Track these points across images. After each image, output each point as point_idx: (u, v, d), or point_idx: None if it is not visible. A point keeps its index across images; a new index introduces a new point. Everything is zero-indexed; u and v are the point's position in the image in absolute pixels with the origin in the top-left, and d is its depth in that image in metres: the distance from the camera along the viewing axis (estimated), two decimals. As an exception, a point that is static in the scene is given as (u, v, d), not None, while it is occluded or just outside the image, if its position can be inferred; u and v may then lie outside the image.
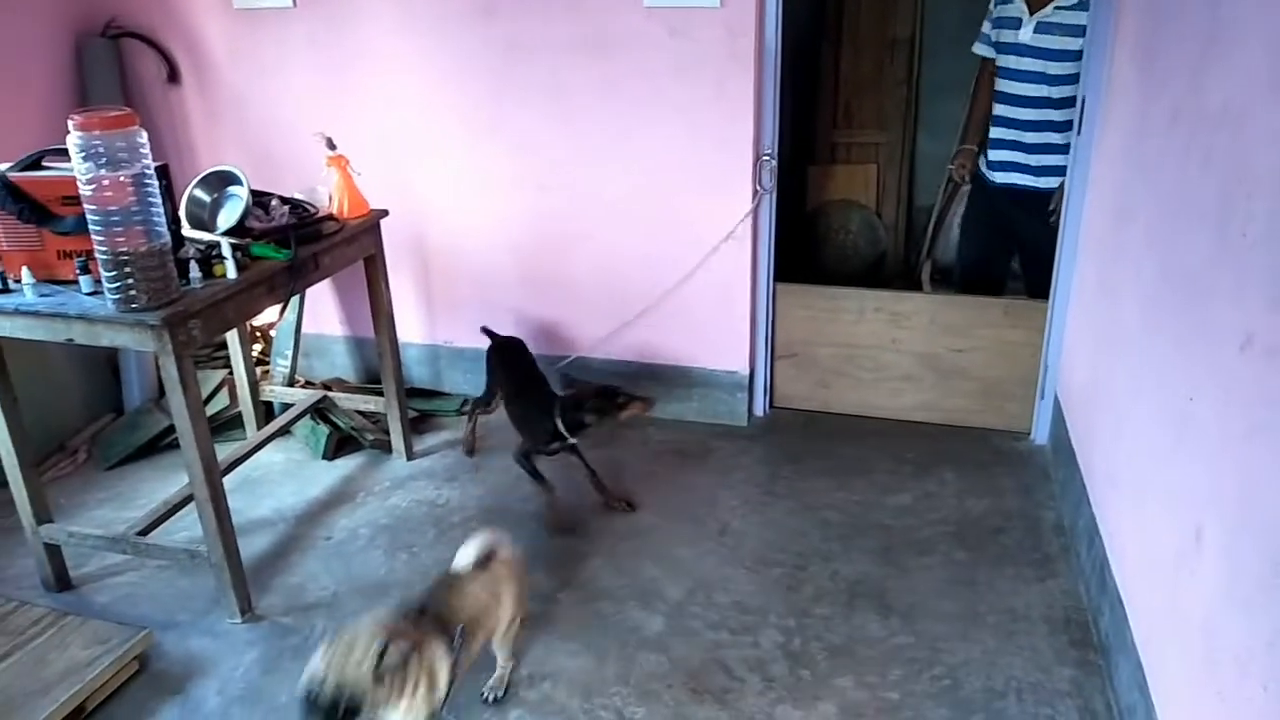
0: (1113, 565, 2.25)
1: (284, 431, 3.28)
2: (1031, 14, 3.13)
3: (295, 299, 3.51)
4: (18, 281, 2.25)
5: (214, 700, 2.25)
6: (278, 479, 3.22)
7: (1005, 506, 2.94)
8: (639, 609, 2.51)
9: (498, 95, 3.24)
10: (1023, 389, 3.32)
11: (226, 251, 2.35)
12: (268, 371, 3.64)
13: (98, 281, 2.17)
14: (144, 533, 2.57)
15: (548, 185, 3.33)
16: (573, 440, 2.83)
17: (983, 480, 3.09)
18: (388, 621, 1.78)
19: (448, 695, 1.83)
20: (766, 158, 3.16)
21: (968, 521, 2.87)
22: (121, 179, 2.01)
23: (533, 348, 3.24)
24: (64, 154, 2.09)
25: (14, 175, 2.25)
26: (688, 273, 3.30)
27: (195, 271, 2.28)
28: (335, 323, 3.80)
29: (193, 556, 2.48)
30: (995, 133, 3.36)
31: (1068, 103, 3.11)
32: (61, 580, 2.65)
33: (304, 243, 2.60)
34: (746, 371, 3.44)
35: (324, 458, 3.31)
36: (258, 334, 3.80)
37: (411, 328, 3.65)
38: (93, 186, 2.01)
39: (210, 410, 3.38)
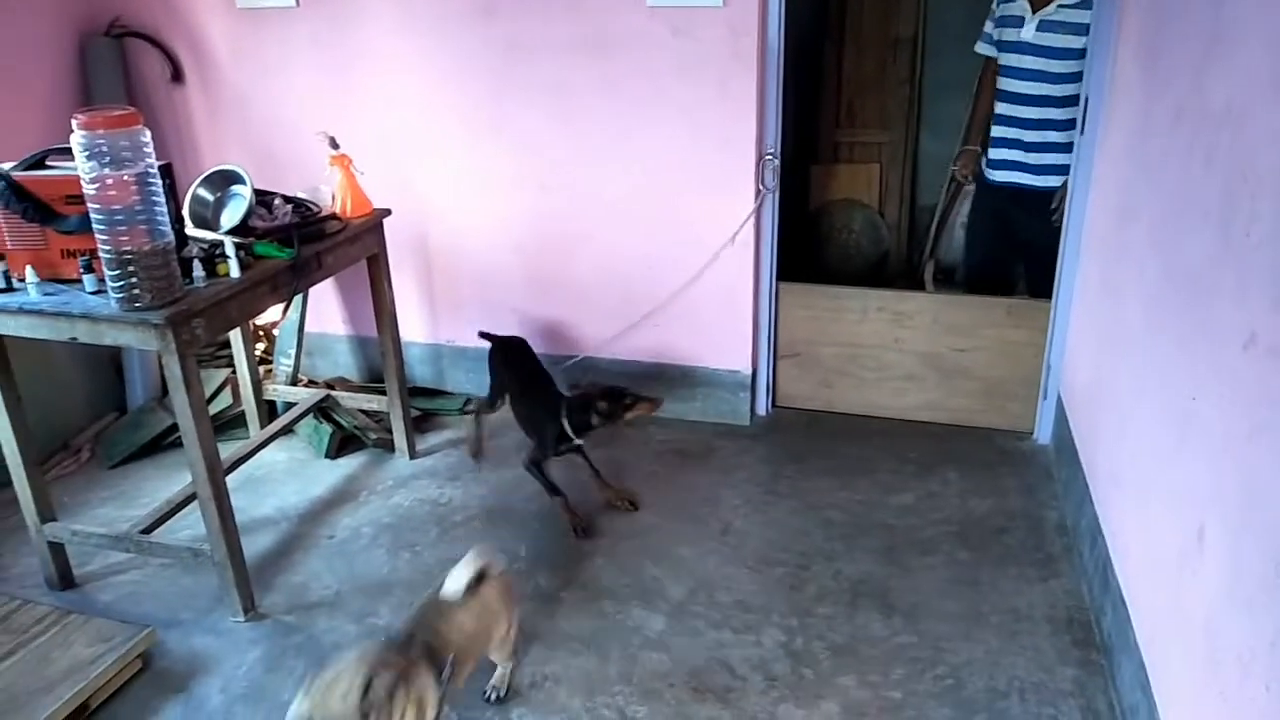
0: (1115, 565, 2.25)
1: (287, 430, 3.29)
2: (1034, 12, 3.12)
3: (298, 298, 3.52)
4: (21, 280, 2.26)
5: (217, 699, 2.25)
6: (281, 478, 3.22)
7: (1008, 506, 2.94)
8: (641, 608, 2.52)
9: (500, 95, 3.24)
10: (1025, 389, 3.31)
11: (230, 250, 2.35)
12: (271, 370, 3.64)
13: (101, 280, 2.18)
14: (147, 531, 2.58)
15: (550, 185, 3.33)
16: (579, 441, 2.83)
17: (986, 480, 3.08)
18: (373, 653, 1.73)
19: None
20: (769, 157, 3.16)
21: (970, 521, 2.87)
22: (125, 178, 2.01)
23: (535, 347, 3.24)
24: (68, 153, 2.10)
25: (18, 174, 2.26)
26: (690, 273, 3.31)
27: (199, 270, 2.29)
28: (338, 322, 3.80)
29: (196, 555, 2.49)
30: (996, 131, 3.36)
31: (1069, 101, 3.11)
32: (65, 579, 2.66)
33: (307, 242, 2.60)
34: (749, 371, 3.44)
35: (327, 456, 3.31)
36: (261, 333, 3.81)
37: (414, 327, 3.66)
38: (96, 185, 2.01)
39: (213, 409, 3.38)
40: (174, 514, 2.69)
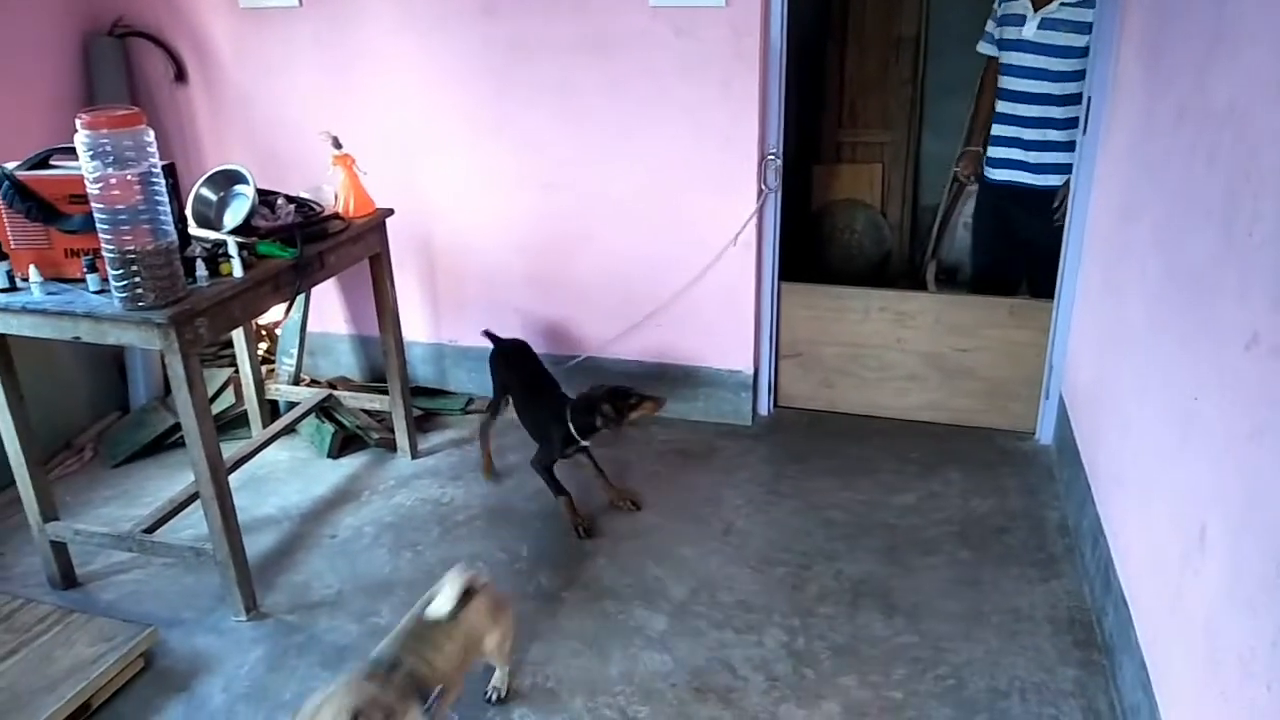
0: (1117, 565, 2.25)
1: (289, 430, 3.29)
2: (1036, 10, 3.13)
3: (301, 297, 3.50)
4: (25, 280, 2.26)
5: (219, 698, 2.25)
6: (283, 477, 3.23)
7: (1010, 506, 2.94)
8: (643, 608, 2.52)
9: (502, 94, 3.25)
10: (1028, 389, 3.31)
11: (233, 250, 2.35)
12: (273, 370, 3.65)
13: (104, 280, 2.18)
14: (150, 530, 2.58)
15: (552, 184, 3.33)
16: (585, 443, 2.83)
17: (987, 480, 3.08)
18: (359, 688, 1.69)
19: None
20: (771, 157, 3.16)
21: (972, 521, 2.86)
22: (128, 178, 2.02)
23: (538, 347, 3.24)
24: (71, 153, 2.10)
25: (22, 174, 2.26)
26: (692, 272, 3.31)
27: (201, 270, 2.29)
28: (340, 321, 3.81)
29: (198, 554, 2.49)
30: (996, 129, 3.36)
31: (1070, 99, 3.12)
32: (67, 578, 2.66)
33: (310, 241, 2.61)
34: (751, 371, 3.44)
35: (329, 456, 3.32)
36: (263, 332, 3.81)
37: (416, 326, 3.66)
38: (100, 185, 2.01)
39: (216, 408, 3.39)
40: (176, 513, 2.70)
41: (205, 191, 2.63)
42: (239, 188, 2.62)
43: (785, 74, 3.10)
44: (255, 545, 2.78)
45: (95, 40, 3.42)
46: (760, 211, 3.21)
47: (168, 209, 2.13)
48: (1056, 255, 3.12)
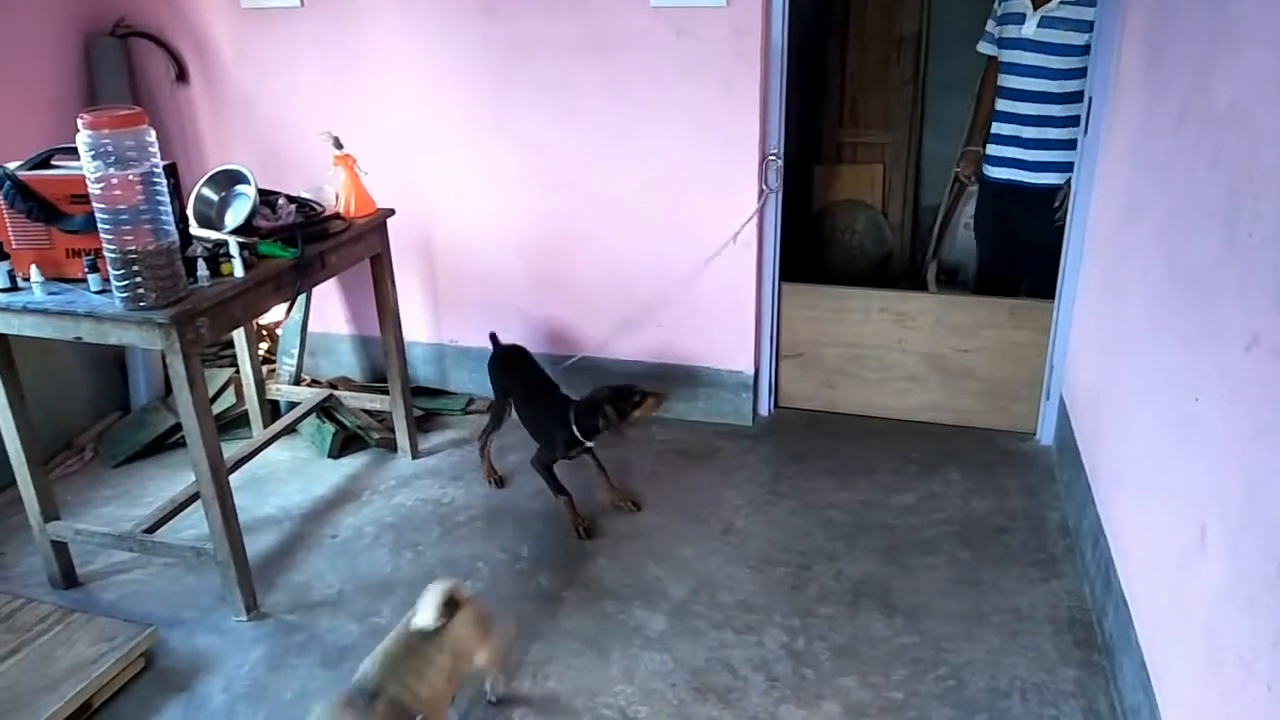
0: (1117, 565, 2.25)
1: (290, 430, 3.29)
2: (1035, 8, 3.14)
3: (302, 298, 3.51)
4: (26, 279, 2.27)
5: (219, 697, 2.26)
6: (283, 477, 3.23)
7: (1010, 507, 2.94)
8: (643, 608, 2.52)
9: (503, 94, 3.25)
10: (1028, 390, 3.31)
11: (234, 250, 2.36)
12: (274, 370, 3.65)
13: (106, 280, 2.18)
14: (150, 530, 2.58)
15: (553, 184, 3.33)
16: (590, 444, 2.83)
17: (988, 481, 3.08)
18: (337, 717, 1.64)
19: None
20: (772, 157, 3.16)
21: (972, 521, 2.86)
22: (130, 178, 2.02)
23: (539, 347, 3.24)
24: (73, 153, 2.10)
25: (23, 174, 2.26)
26: (693, 273, 3.31)
27: (203, 270, 2.29)
28: (341, 321, 3.81)
29: (199, 554, 2.49)
30: (996, 128, 3.37)
31: (1069, 98, 3.12)
32: (68, 577, 2.66)
33: (311, 241, 2.61)
34: (752, 371, 3.44)
35: (330, 456, 3.32)
36: (264, 332, 3.81)
37: (417, 326, 3.66)
38: (101, 185, 2.02)
39: (216, 409, 3.39)
40: (177, 513, 2.70)
41: (206, 191, 2.63)
42: (240, 188, 2.62)
43: (786, 74, 3.10)
44: (256, 545, 2.78)
45: (97, 40, 3.43)
46: (761, 212, 3.21)
47: (169, 209, 2.13)
48: (1056, 255, 3.12)
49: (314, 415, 3.37)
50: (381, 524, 2.94)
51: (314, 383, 3.72)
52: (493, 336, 3.20)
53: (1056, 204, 3.20)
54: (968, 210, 4.04)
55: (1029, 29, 3.15)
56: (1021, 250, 3.52)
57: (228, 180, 2.64)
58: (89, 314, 2.18)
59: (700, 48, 3.01)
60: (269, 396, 3.43)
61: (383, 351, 3.23)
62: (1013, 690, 2.20)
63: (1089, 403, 2.80)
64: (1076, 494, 2.78)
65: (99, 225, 2.06)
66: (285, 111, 3.48)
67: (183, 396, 2.25)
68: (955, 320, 3.33)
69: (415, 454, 3.31)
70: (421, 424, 3.48)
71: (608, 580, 2.64)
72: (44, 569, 2.65)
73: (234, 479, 2.63)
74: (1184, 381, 1.84)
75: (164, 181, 2.11)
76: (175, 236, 2.16)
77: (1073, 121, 3.10)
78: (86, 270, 2.24)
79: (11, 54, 3.18)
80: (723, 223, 3.21)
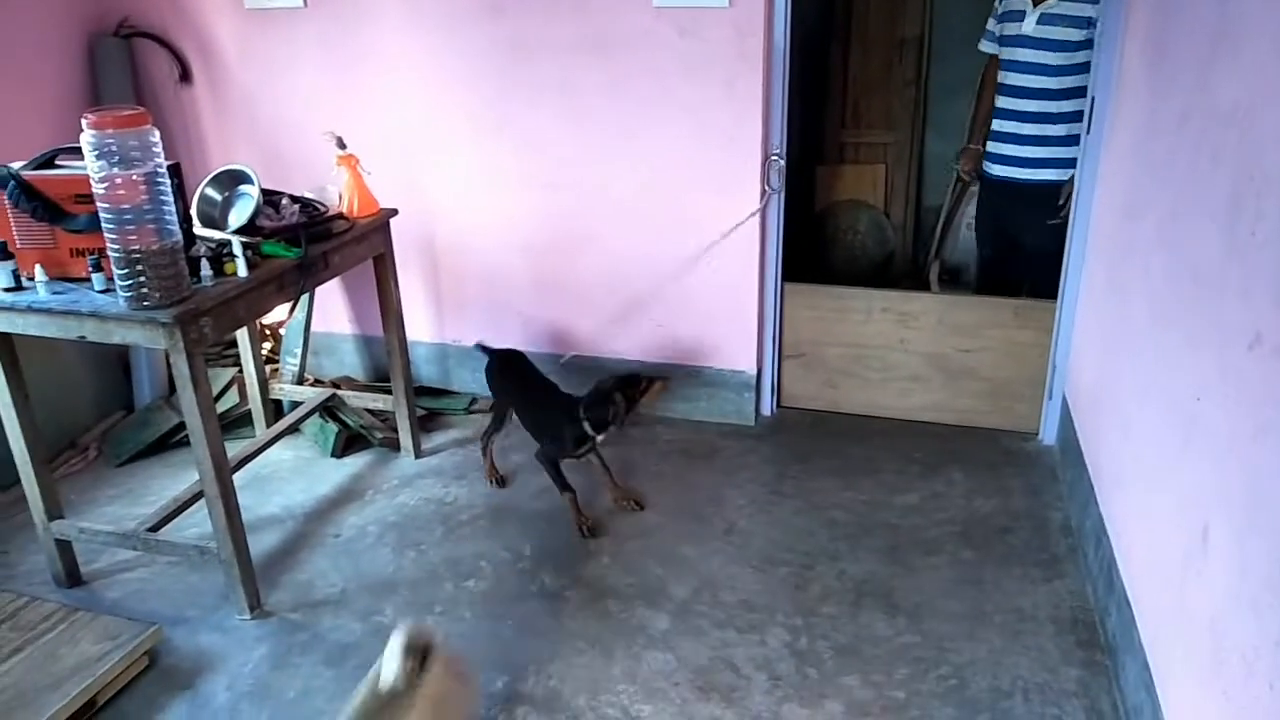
0: (1120, 565, 2.25)
1: (293, 429, 3.30)
2: (1035, 6, 3.14)
3: (305, 297, 3.53)
4: (31, 279, 2.27)
5: (223, 696, 2.26)
6: (287, 476, 3.23)
7: (1013, 507, 2.93)
8: (645, 607, 2.52)
9: (506, 94, 3.25)
10: (1031, 389, 3.31)
11: (237, 250, 2.36)
12: (277, 369, 3.65)
13: (110, 279, 2.19)
14: (154, 529, 2.59)
15: (555, 184, 3.33)
16: (600, 438, 2.82)
17: (990, 480, 3.08)
18: None
19: None
20: (775, 158, 3.16)
21: (975, 521, 2.86)
22: (134, 177, 2.03)
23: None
24: (77, 152, 2.11)
25: (28, 173, 2.27)
26: (695, 273, 3.31)
27: (206, 269, 2.30)
28: (344, 321, 3.81)
29: (202, 553, 2.50)
30: (996, 125, 3.38)
31: (1068, 94, 3.13)
32: (72, 576, 2.67)
33: (314, 241, 2.61)
34: (754, 371, 3.44)
35: (333, 455, 3.33)
36: (267, 332, 3.82)
37: (420, 326, 3.66)
38: (105, 185, 2.02)
39: (220, 408, 3.39)
40: (180, 512, 2.70)
41: (210, 191, 2.64)
42: (244, 187, 2.62)
43: (789, 74, 3.10)
44: (259, 544, 2.78)
45: (100, 41, 3.43)
46: (763, 212, 3.21)
47: (173, 209, 2.13)
48: (1056, 256, 3.13)
49: (317, 415, 3.37)
50: (384, 523, 2.94)
51: (317, 382, 3.72)
52: (480, 346, 3.19)
53: (1060, 201, 3.21)
54: (970, 210, 4.04)
55: (1028, 25, 3.16)
56: (1021, 250, 3.53)
57: (231, 180, 2.65)
58: (93, 313, 2.18)
59: (703, 48, 3.01)
60: (272, 396, 3.44)
61: (386, 351, 3.23)
62: (1015, 690, 2.20)
63: (1092, 402, 2.80)
64: (1079, 494, 2.78)
65: (103, 225, 2.07)
66: (288, 111, 3.49)
67: (186, 396, 2.25)
68: (958, 320, 3.33)
69: (418, 453, 3.32)
70: (424, 423, 3.48)
71: (610, 579, 2.64)
72: (48, 567, 2.66)
73: (237, 478, 2.64)
74: (1186, 381, 1.84)
75: (168, 181, 2.12)
76: (179, 236, 2.16)
77: (1071, 118, 3.11)
78: (90, 270, 2.25)
79: (15, 54, 3.19)
80: (725, 223, 3.22)
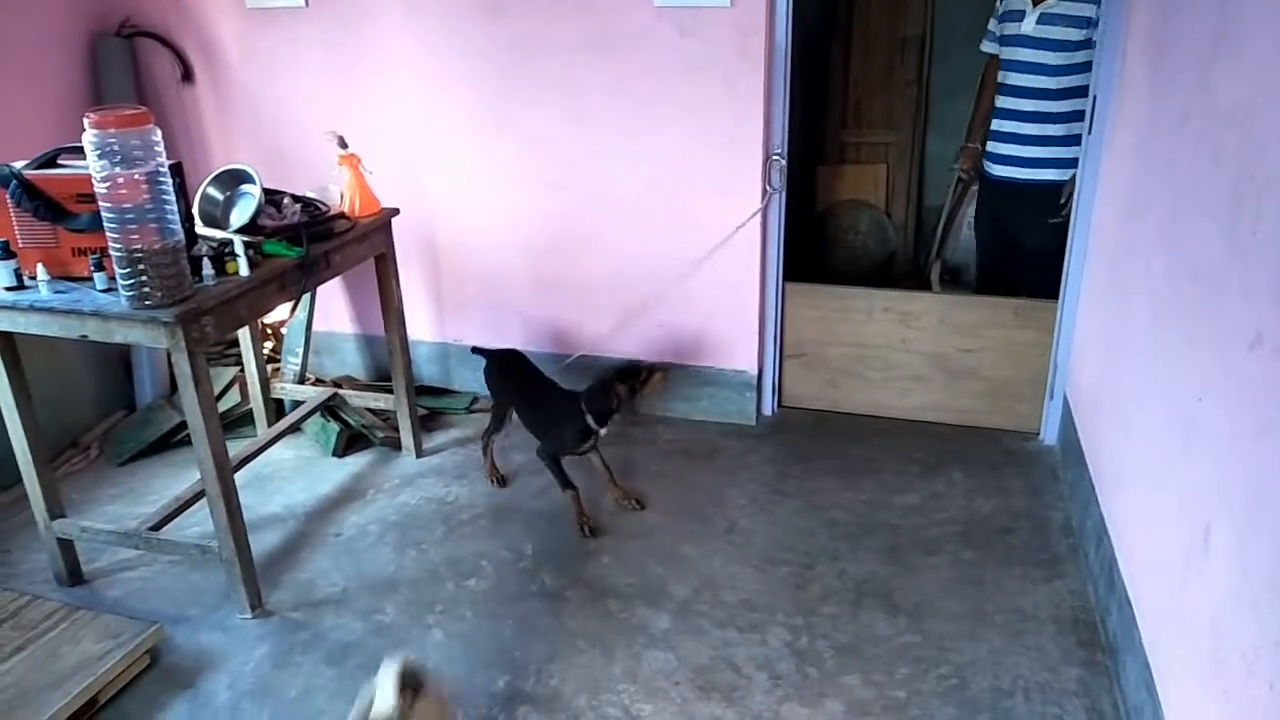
0: (1121, 565, 2.25)
1: (294, 428, 3.30)
2: (1034, 5, 3.15)
3: (306, 297, 3.53)
4: (33, 278, 2.27)
5: (224, 694, 2.26)
6: (288, 476, 3.24)
7: (1013, 506, 2.93)
8: (646, 607, 2.52)
9: (507, 93, 3.25)
10: (1032, 389, 3.31)
11: (239, 249, 2.36)
12: (278, 369, 3.65)
13: (112, 278, 2.19)
14: (156, 528, 2.59)
15: (557, 183, 3.34)
16: (603, 430, 2.82)
17: (991, 480, 3.08)
18: None
19: None
20: (776, 157, 3.16)
21: (976, 521, 2.86)
22: (136, 177, 2.03)
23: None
24: (79, 152, 2.11)
25: (30, 173, 2.27)
26: (697, 273, 3.31)
27: (208, 269, 2.30)
28: (346, 320, 3.82)
29: (204, 552, 2.50)
30: (996, 124, 3.39)
31: (1067, 94, 3.14)
32: (74, 575, 2.67)
33: (316, 241, 2.61)
34: (755, 371, 3.44)
35: (334, 455, 3.33)
36: (269, 331, 3.82)
37: (421, 325, 3.67)
38: (107, 184, 2.02)
39: (221, 407, 3.40)
40: (182, 511, 2.71)
41: (212, 191, 2.64)
42: (245, 187, 2.63)
43: (790, 74, 3.10)
44: (260, 543, 2.79)
45: (103, 40, 3.44)
46: (765, 211, 3.21)
47: (174, 208, 2.14)
48: (1055, 256, 3.13)
49: (318, 414, 3.37)
50: (385, 522, 2.94)
51: (318, 381, 3.73)
52: (476, 350, 3.19)
53: (1062, 200, 3.21)
54: (971, 210, 4.04)
55: (1028, 25, 3.17)
56: (1021, 250, 3.53)
57: (233, 179, 2.65)
58: (95, 312, 2.18)
59: (704, 48, 3.01)
60: (273, 395, 3.44)
61: (387, 350, 3.23)
62: (1015, 689, 2.20)
63: (1093, 402, 2.80)
64: (1080, 494, 2.78)
65: (105, 224, 2.07)
66: (290, 111, 3.49)
67: (188, 395, 2.26)
68: (959, 320, 3.33)
69: (419, 453, 3.32)
70: (425, 423, 3.48)
71: (611, 579, 2.64)
72: (50, 566, 2.66)
73: (238, 477, 2.64)
74: (1187, 381, 1.84)
75: (169, 181, 2.12)
76: (181, 235, 2.16)
77: (1071, 118, 3.12)
78: (92, 269, 2.25)
79: (18, 54, 3.19)
80: (726, 222, 3.22)
